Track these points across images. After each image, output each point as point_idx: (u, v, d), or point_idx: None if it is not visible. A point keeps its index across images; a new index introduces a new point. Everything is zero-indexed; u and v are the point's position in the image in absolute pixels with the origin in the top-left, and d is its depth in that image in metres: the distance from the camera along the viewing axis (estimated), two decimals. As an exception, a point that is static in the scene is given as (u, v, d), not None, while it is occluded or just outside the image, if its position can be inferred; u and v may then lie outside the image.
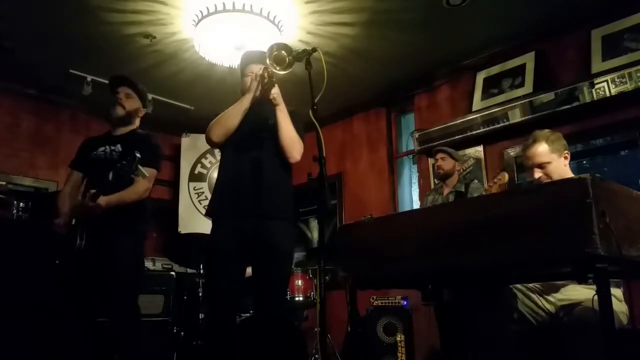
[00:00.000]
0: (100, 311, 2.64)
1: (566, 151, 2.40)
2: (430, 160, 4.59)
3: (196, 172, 5.84)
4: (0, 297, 2.99)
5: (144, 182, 2.62)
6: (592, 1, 3.75)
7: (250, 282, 2.45)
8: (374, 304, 4.37)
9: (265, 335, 2.38)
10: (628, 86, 3.49)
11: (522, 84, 4.15)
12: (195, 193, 5.77)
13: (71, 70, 4.57)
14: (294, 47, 2.28)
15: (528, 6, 3.80)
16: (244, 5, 3.59)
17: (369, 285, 2.13)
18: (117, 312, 2.55)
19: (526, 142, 2.44)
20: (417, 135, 4.72)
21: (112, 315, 2.58)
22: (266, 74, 2.37)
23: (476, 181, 3.75)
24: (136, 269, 2.67)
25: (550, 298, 2.22)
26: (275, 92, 2.41)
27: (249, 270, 2.46)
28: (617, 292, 2.15)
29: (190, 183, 5.79)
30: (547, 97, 3.86)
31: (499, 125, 4.14)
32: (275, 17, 3.74)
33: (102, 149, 2.74)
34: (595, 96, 3.62)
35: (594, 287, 1.43)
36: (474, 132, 4.30)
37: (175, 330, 3.95)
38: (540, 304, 2.23)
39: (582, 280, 1.53)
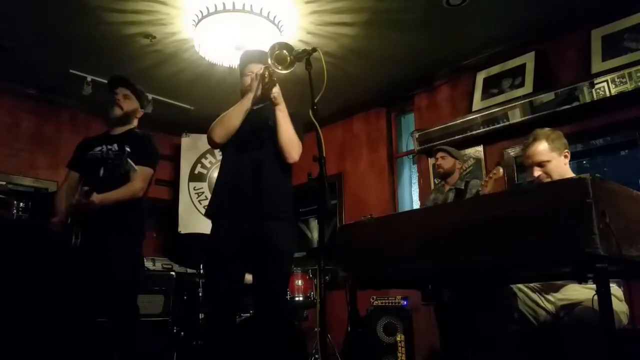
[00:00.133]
0: (100, 311, 2.64)
1: (566, 150, 2.39)
2: (431, 160, 4.60)
3: (196, 172, 5.85)
4: (0, 297, 2.99)
5: (138, 180, 2.62)
6: (592, 1, 3.75)
7: (250, 285, 2.45)
8: (374, 304, 4.37)
9: (265, 335, 2.38)
10: (628, 86, 3.49)
11: (522, 84, 4.15)
12: (195, 193, 5.77)
13: (71, 70, 4.57)
14: (294, 47, 2.28)
15: (528, 6, 3.80)
16: (244, 5, 3.59)
17: (369, 285, 2.13)
18: (116, 312, 2.55)
19: (526, 141, 2.43)
20: (417, 135, 4.72)
21: (111, 315, 2.58)
22: (267, 73, 2.37)
23: (476, 180, 3.76)
24: (135, 268, 2.67)
25: (550, 298, 2.22)
26: (276, 91, 2.41)
27: (248, 277, 2.45)
28: (617, 292, 2.15)
29: (190, 183, 5.79)
30: (547, 97, 3.86)
31: (499, 125, 4.14)
32: (275, 17, 3.74)
33: (98, 148, 2.74)
34: (595, 96, 3.62)
35: (594, 287, 1.43)
36: (474, 132, 4.30)
37: (175, 330, 3.95)
38: (540, 303, 2.23)
39: (582, 280, 1.53)
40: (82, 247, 2.50)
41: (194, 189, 5.78)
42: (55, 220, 2.66)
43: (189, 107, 5.37)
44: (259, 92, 2.42)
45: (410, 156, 5.22)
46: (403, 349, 4.12)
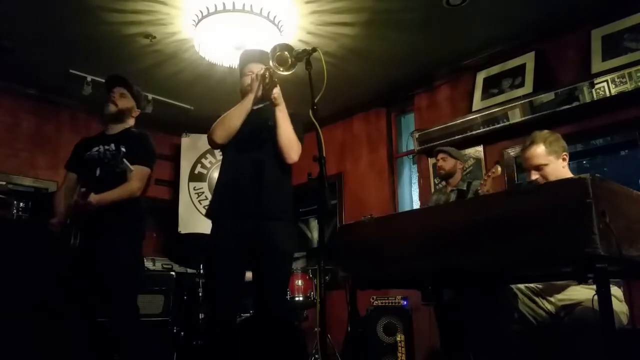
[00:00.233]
0: (100, 311, 2.64)
1: (565, 152, 2.38)
2: (431, 160, 4.60)
3: (196, 172, 5.85)
4: (0, 297, 2.99)
5: (136, 180, 2.62)
6: (592, 1, 3.75)
7: (251, 283, 2.45)
8: (374, 304, 4.37)
9: (265, 335, 2.38)
10: (628, 86, 3.49)
11: (522, 84, 4.15)
12: (195, 193, 5.77)
13: (71, 70, 4.57)
14: (294, 47, 2.28)
15: (528, 6, 3.80)
16: (244, 5, 3.59)
17: (369, 285, 2.13)
18: (116, 312, 2.55)
19: (524, 144, 2.43)
20: (417, 135, 4.72)
21: (111, 315, 2.58)
22: (267, 74, 2.37)
23: (478, 181, 3.76)
24: (134, 268, 2.66)
25: (550, 298, 2.22)
26: (277, 92, 2.41)
27: (249, 275, 2.45)
28: (617, 292, 2.15)
29: (190, 183, 5.79)
30: (547, 97, 3.86)
31: (499, 125, 4.14)
32: (275, 17, 3.74)
33: (95, 149, 2.74)
34: (595, 96, 3.62)
35: (594, 287, 1.43)
36: (474, 132, 4.30)
37: (175, 330, 3.95)
38: (540, 304, 2.23)
39: (582, 280, 1.53)
40: (81, 247, 2.50)
41: (194, 189, 5.78)
42: (54, 221, 2.67)
43: (189, 107, 5.37)
44: (260, 92, 2.42)
45: (410, 156, 5.22)
46: (403, 349, 4.12)
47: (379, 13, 3.84)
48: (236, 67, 3.06)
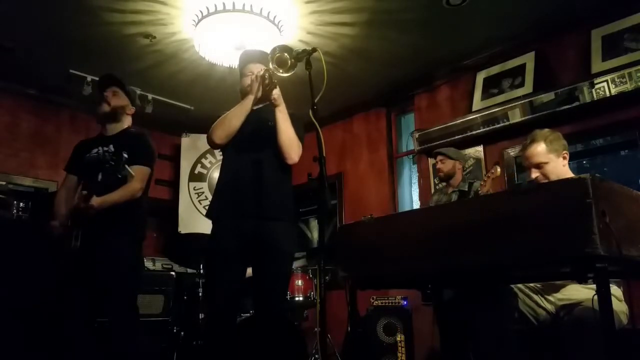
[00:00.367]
0: (100, 311, 2.64)
1: (565, 151, 2.39)
2: (431, 160, 4.60)
3: (196, 172, 5.84)
4: (0, 297, 2.99)
5: (136, 181, 2.62)
6: (592, 1, 3.75)
7: (250, 282, 2.45)
8: (374, 304, 4.37)
9: (265, 335, 2.38)
10: (628, 86, 3.49)
11: (522, 84, 4.15)
12: (195, 193, 5.77)
13: (71, 70, 4.57)
14: (294, 47, 2.28)
15: (528, 6, 3.80)
16: (244, 5, 3.59)
17: (369, 285, 2.13)
18: (116, 312, 2.55)
19: (525, 142, 2.43)
20: (417, 135, 4.72)
21: (111, 315, 2.58)
22: (267, 75, 2.37)
23: (479, 181, 3.75)
24: (134, 269, 2.67)
25: (550, 298, 2.22)
26: (277, 93, 2.41)
27: (249, 271, 2.46)
28: (617, 292, 2.15)
29: (190, 183, 5.79)
30: (547, 97, 3.86)
31: (499, 125, 4.14)
32: (275, 17, 3.74)
33: (95, 150, 2.74)
34: (595, 96, 3.62)
35: (594, 287, 1.43)
36: (474, 132, 4.30)
37: (175, 330, 3.95)
38: (540, 303, 2.23)
39: (582, 280, 1.53)
40: (82, 248, 2.50)
41: (194, 189, 5.78)
42: (55, 223, 2.66)
43: (189, 107, 5.37)
44: (260, 93, 2.42)
45: (410, 156, 5.22)
46: (403, 349, 4.12)
47: (379, 13, 3.84)
48: (236, 67, 3.06)
